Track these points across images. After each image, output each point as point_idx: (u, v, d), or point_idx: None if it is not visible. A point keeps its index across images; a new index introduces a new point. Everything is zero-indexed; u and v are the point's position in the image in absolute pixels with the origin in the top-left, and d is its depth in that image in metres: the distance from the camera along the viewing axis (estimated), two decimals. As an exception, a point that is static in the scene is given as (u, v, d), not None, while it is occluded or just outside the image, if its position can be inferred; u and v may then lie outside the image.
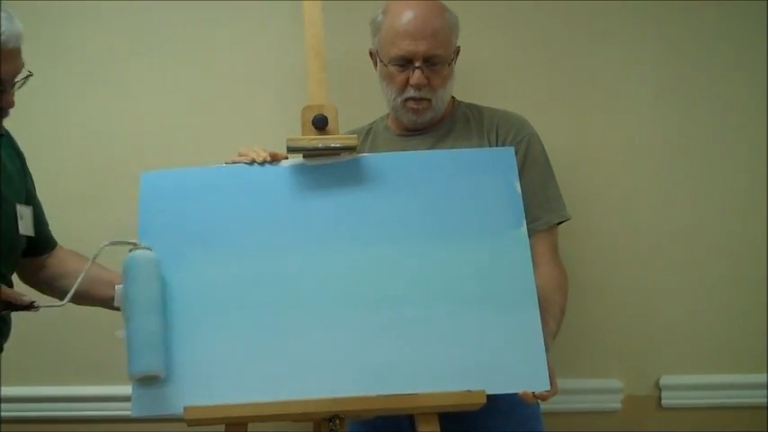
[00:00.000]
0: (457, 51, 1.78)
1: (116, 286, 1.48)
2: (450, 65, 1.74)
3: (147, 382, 1.42)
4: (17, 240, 1.57)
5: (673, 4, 2.14)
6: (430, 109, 1.75)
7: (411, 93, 1.73)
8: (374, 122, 1.90)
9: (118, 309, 1.49)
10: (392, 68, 1.73)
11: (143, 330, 1.41)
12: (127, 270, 1.45)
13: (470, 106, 1.85)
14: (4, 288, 1.40)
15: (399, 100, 1.75)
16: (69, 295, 1.45)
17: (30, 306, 1.44)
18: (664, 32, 2.15)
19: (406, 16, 1.71)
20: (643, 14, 2.14)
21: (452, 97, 1.86)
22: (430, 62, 1.71)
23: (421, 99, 1.73)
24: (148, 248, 1.47)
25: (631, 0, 2.14)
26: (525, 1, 2.13)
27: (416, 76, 1.71)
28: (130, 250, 1.46)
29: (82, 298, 1.63)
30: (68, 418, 2.08)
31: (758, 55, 2.14)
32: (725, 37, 2.15)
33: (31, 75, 1.44)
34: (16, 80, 1.43)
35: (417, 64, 1.70)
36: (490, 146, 1.76)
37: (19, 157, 1.62)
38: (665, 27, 2.15)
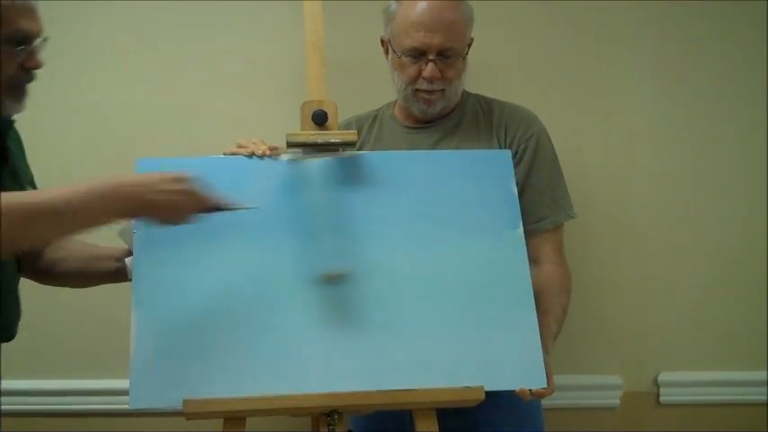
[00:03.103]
0: (470, 43, 1.77)
1: (126, 259, 1.51)
2: (464, 57, 1.73)
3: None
4: None
5: (674, 4, 2.14)
6: (442, 99, 1.74)
7: (423, 85, 1.71)
8: (380, 109, 1.89)
9: (122, 281, 1.54)
10: (405, 59, 1.71)
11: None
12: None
13: (479, 98, 1.84)
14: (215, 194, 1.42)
15: (410, 90, 1.73)
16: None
17: (235, 208, 1.45)
18: (665, 31, 2.16)
19: (421, 7, 1.69)
20: (644, 14, 2.15)
21: None
22: (444, 55, 1.69)
23: (434, 90, 1.72)
24: None
25: (633, 0, 2.14)
26: (527, 0, 2.14)
27: (429, 69, 1.69)
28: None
29: (86, 278, 1.65)
30: (65, 411, 2.09)
31: (758, 54, 2.15)
32: (725, 36, 2.15)
33: (47, 39, 1.44)
34: (37, 41, 1.43)
35: (431, 57, 1.69)
36: (499, 142, 1.75)
37: (20, 144, 1.62)
38: (666, 26, 2.16)
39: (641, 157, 2.17)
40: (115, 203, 1.32)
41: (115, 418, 2.07)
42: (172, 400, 1.39)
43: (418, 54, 1.70)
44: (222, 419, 1.42)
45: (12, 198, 1.26)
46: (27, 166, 1.61)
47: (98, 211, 1.32)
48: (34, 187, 1.60)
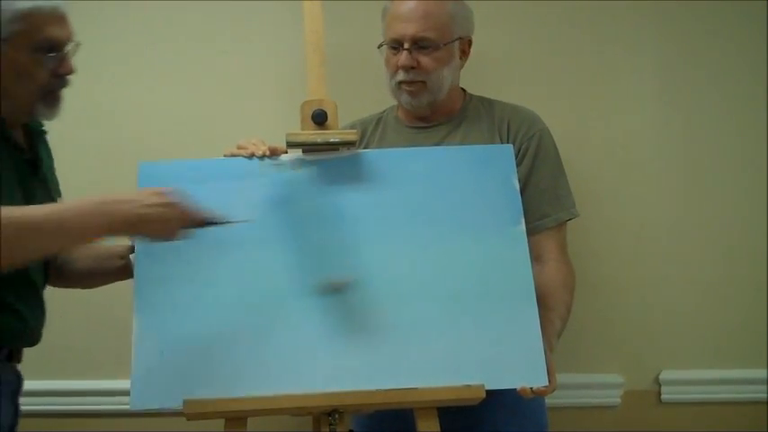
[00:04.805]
0: (467, 42, 1.79)
1: (131, 256, 1.52)
2: (445, 48, 1.73)
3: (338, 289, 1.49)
4: None
5: (674, 4, 2.14)
6: (425, 91, 1.75)
7: (401, 76, 1.74)
8: (385, 111, 1.90)
9: (129, 278, 1.54)
10: (387, 51, 1.75)
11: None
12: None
13: (482, 99, 1.85)
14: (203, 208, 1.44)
15: (393, 83, 1.76)
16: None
17: (226, 222, 1.46)
18: (665, 31, 2.16)
19: (405, 1, 1.73)
20: (645, 13, 2.15)
21: (464, 91, 1.86)
22: (419, 45, 1.72)
23: (413, 81, 1.74)
24: None
25: (633, 0, 2.15)
26: (527, 0, 2.14)
27: (402, 58, 1.72)
28: None
29: (96, 277, 1.66)
30: (66, 412, 2.08)
31: (758, 54, 2.15)
32: (725, 36, 2.15)
33: (79, 44, 1.47)
34: (67, 47, 1.46)
35: (406, 46, 1.71)
36: (501, 140, 1.76)
37: (50, 153, 1.64)
38: (667, 25, 2.16)
39: (642, 156, 2.16)
40: (102, 220, 1.34)
41: (116, 418, 2.07)
42: (173, 401, 1.40)
43: (397, 45, 1.73)
44: (223, 420, 1.42)
45: (9, 212, 1.27)
46: (55, 176, 1.63)
47: (88, 228, 1.34)
48: (60, 198, 1.62)
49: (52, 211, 1.34)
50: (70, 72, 1.47)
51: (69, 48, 1.46)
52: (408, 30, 1.71)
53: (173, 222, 1.39)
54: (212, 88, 2.12)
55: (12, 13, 1.38)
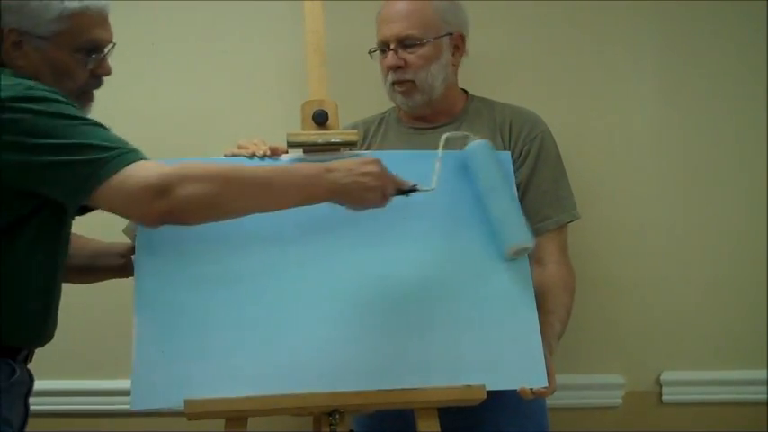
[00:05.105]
0: (459, 38, 1.78)
1: (133, 255, 1.51)
2: (431, 45, 1.74)
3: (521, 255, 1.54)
4: None
5: (674, 4, 2.15)
6: (416, 90, 1.75)
7: (391, 77, 1.75)
8: (387, 112, 1.90)
9: (127, 276, 1.53)
10: (378, 55, 1.77)
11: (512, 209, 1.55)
12: (473, 159, 1.58)
13: (483, 101, 1.86)
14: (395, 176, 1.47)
15: (387, 85, 1.77)
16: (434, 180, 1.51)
17: (417, 190, 1.49)
18: (666, 31, 2.16)
19: (389, 3, 1.76)
20: (645, 13, 2.15)
21: (465, 92, 1.86)
22: (404, 44, 1.73)
23: (403, 81, 1.75)
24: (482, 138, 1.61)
25: (633, 0, 2.15)
26: (527, 0, 2.14)
27: (388, 59, 1.74)
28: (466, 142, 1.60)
29: (91, 273, 1.65)
30: (66, 412, 2.09)
31: (758, 54, 2.15)
32: (725, 36, 2.16)
33: (115, 44, 1.48)
34: (107, 48, 1.47)
35: (392, 46, 1.73)
36: (503, 143, 1.76)
37: None
38: (667, 25, 2.16)
39: (642, 156, 2.17)
40: (324, 186, 1.38)
41: (117, 418, 2.07)
42: (173, 401, 1.39)
43: (384, 47, 1.75)
44: (223, 420, 1.42)
45: (237, 167, 1.36)
46: None
47: (311, 190, 1.38)
48: None
49: (276, 171, 1.39)
50: (108, 73, 1.48)
51: (108, 49, 1.47)
52: (393, 30, 1.72)
53: (384, 190, 1.42)
54: (212, 88, 2.12)
55: (58, 12, 1.38)
